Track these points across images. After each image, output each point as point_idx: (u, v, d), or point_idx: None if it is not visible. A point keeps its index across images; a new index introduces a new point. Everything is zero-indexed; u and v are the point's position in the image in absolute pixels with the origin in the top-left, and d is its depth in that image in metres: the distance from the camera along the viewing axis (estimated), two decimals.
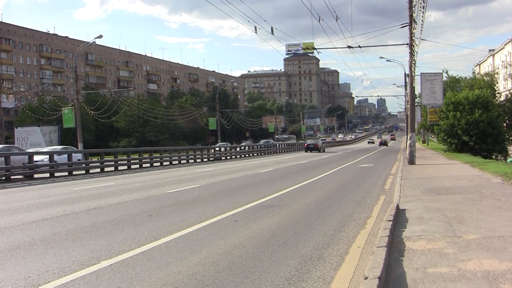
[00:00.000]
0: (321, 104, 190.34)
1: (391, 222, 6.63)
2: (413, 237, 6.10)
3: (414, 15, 21.52)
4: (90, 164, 23.78)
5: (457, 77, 46.06)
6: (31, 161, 19.96)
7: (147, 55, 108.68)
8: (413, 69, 23.06)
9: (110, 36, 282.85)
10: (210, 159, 36.02)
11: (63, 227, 7.74)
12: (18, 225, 8.03)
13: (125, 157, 27.54)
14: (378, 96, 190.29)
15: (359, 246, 6.09)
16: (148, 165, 27.42)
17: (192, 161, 32.65)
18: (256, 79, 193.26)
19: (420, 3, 20.68)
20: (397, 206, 8.29)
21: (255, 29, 22.48)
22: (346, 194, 11.93)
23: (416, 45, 23.29)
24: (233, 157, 39.55)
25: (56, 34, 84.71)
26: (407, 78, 33.19)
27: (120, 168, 25.34)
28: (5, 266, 5.44)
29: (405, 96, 49.71)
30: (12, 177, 18.61)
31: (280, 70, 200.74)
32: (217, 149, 41.14)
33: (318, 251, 5.89)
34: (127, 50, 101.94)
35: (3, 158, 18.38)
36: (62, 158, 23.08)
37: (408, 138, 23.13)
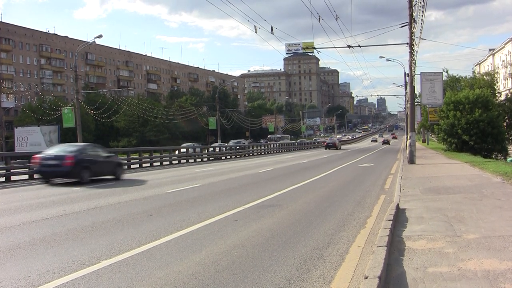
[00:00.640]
0: (321, 104, 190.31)
1: (391, 222, 6.63)
2: (413, 237, 6.10)
3: (414, 14, 21.52)
4: None
5: (457, 77, 46.10)
6: None
7: (147, 54, 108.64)
8: (413, 68, 23.08)
9: (110, 36, 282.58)
10: (210, 158, 36.01)
11: (63, 227, 7.74)
12: (18, 224, 8.03)
13: (125, 157, 27.51)
14: (378, 95, 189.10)
15: (359, 246, 6.09)
16: (148, 164, 27.39)
17: (192, 160, 32.66)
18: (256, 78, 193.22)
19: (420, 3, 20.71)
20: (397, 206, 8.28)
21: (255, 29, 22.50)
22: (346, 193, 11.93)
23: (416, 45, 23.34)
24: (233, 156, 39.53)
25: (56, 34, 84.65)
26: (407, 77, 33.25)
27: None
28: (6, 265, 5.44)
29: (405, 95, 49.70)
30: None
31: (280, 69, 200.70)
32: (183, 150, 34.75)
33: (318, 250, 5.89)
34: (127, 49, 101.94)
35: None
36: None
37: (408, 137, 23.13)
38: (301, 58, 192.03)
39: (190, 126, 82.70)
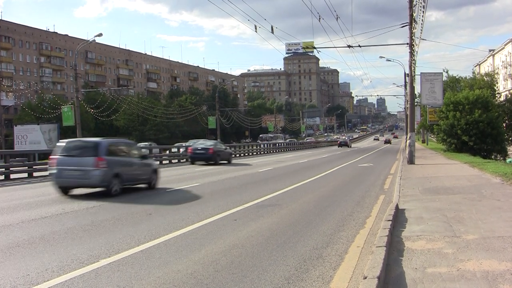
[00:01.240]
0: (320, 104, 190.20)
1: (390, 222, 6.63)
2: (412, 237, 6.10)
3: (414, 14, 21.52)
4: None
5: (457, 77, 46.13)
6: None
7: (147, 53, 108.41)
8: (413, 68, 23.07)
9: (110, 34, 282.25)
10: None
11: (62, 225, 7.73)
12: (17, 223, 8.02)
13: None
14: (377, 95, 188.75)
15: (358, 246, 6.09)
16: None
17: None
18: (256, 78, 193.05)
19: (421, 3, 20.70)
20: (397, 206, 8.29)
21: (255, 28, 22.47)
22: (346, 193, 11.94)
23: (416, 45, 23.32)
24: (236, 155, 39.42)
25: (56, 32, 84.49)
26: (407, 77, 33.22)
27: None
28: (4, 264, 5.43)
29: (405, 95, 49.66)
30: None
31: (280, 69, 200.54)
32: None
33: (317, 250, 5.89)
34: (127, 48, 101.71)
35: None
36: None
37: (408, 137, 23.14)
38: (301, 57, 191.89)
39: (189, 125, 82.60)
